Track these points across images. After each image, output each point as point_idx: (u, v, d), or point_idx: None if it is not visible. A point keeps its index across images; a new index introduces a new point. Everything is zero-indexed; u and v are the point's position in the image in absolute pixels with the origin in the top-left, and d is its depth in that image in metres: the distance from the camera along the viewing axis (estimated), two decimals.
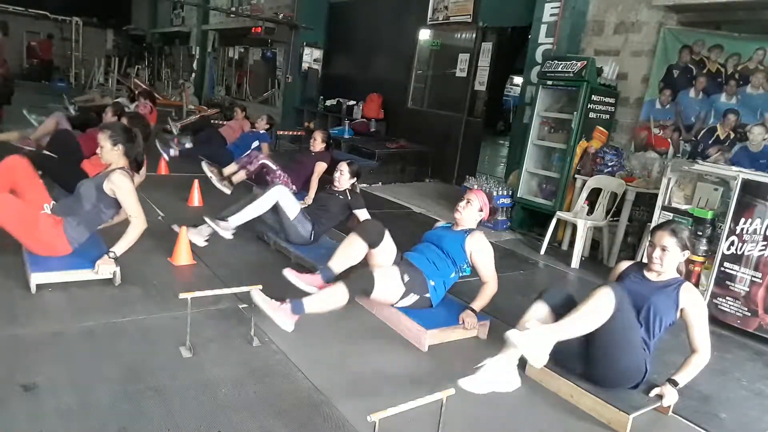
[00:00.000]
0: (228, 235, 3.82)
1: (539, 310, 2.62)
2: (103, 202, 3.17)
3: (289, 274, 3.00)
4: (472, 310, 3.10)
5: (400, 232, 3.22)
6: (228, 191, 5.60)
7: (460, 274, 3.24)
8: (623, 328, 2.39)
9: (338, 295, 2.76)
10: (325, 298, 2.78)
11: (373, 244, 3.04)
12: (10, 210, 2.92)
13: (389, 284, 2.93)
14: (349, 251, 3.06)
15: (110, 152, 3.20)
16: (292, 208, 3.90)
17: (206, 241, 3.86)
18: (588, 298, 2.36)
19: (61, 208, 3.19)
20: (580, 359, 2.51)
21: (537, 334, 2.29)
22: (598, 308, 2.32)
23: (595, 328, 2.34)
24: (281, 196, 3.87)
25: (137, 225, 3.14)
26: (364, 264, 3.12)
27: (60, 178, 4.39)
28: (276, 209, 3.88)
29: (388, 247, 3.11)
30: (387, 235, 3.10)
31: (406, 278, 2.98)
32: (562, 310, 2.53)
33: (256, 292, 2.68)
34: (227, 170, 5.91)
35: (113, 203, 3.19)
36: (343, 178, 4.18)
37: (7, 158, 3.24)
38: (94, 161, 4.51)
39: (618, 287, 2.41)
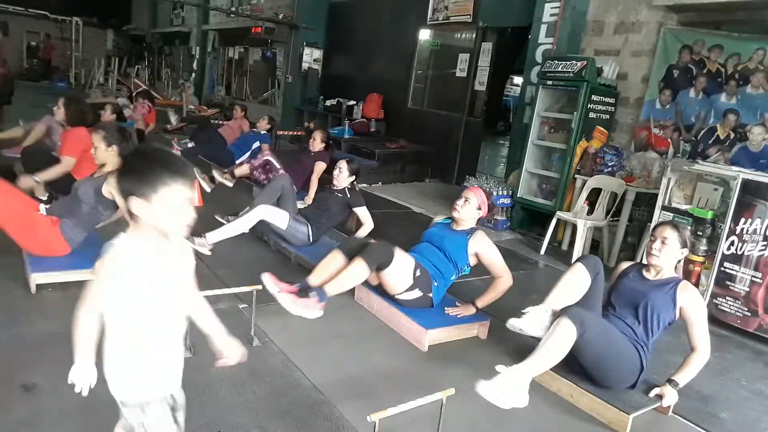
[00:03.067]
0: (205, 250, 3.72)
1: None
2: (101, 204, 3.17)
3: (285, 301, 2.80)
4: (474, 306, 3.13)
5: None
6: (230, 184, 5.61)
7: (460, 275, 3.25)
8: (597, 341, 2.39)
9: (359, 271, 2.81)
10: (347, 278, 2.82)
11: (380, 266, 2.92)
12: (8, 210, 2.92)
13: (403, 269, 2.94)
14: (352, 277, 2.90)
15: (105, 153, 3.20)
16: (280, 220, 3.86)
17: (210, 251, 3.82)
18: (551, 332, 2.37)
19: (58, 209, 3.19)
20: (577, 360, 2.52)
21: (510, 383, 2.22)
22: (561, 338, 2.33)
23: (564, 355, 2.34)
24: (266, 214, 3.82)
25: None
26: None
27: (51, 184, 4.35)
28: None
29: (401, 263, 2.98)
30: (398, 252, 2.95)
31: (418, 273, 2.99)
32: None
33: (283, 297, 2.72)
34: (238, 172, 5.90)
35: (111, 204, 3.19)
36: (342, 176, 4.18)
37: None
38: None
39: (576, 311, 2.40)
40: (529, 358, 2.33)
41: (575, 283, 2.64)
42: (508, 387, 2.20)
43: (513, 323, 2.56)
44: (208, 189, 5.43)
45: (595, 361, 2.43)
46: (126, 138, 3.28)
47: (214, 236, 3.74)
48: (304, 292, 2.87)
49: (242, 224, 3.79)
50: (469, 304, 3.16)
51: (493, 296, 3.13)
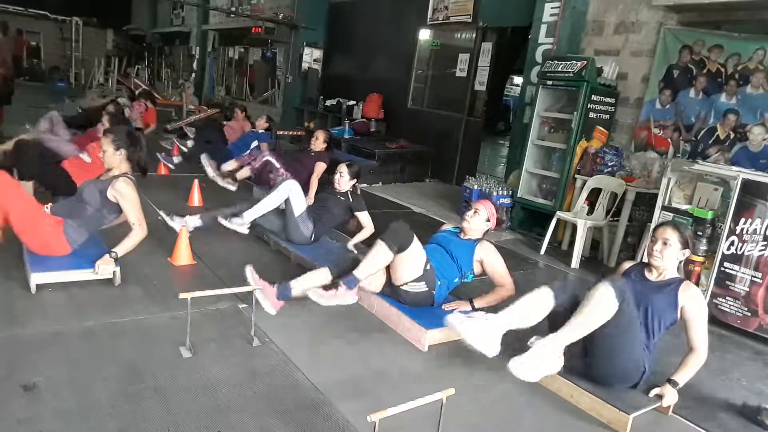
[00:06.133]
0: (244, 230, 3.93)
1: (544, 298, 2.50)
2: (106, 207, 3.18)
3: (315, 296, 2.89)
4: (471, 303, 3.15)
5: None
6: (233, 188, 5.71)
7: (462, 281, 3.27)
8: (624, 326, 2.39)
9: (382, 253, 2.86)
10: (372, 261, 2.88)
11: (401, 248, 2.93)
12: (19, 200, 2.94)
13: (417, 258, 2.99)
14: (376, 259, 2.92)
15: (113, 156, 3.20)
16: (300, 204, 3.95)
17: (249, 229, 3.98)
18: (588, 299, 2.35)
19: (62, 210, 3.19)
20: (580, 356, 2.52)
21: (539, 355, 2.29)
22: (599, 309, 2.32)
23: (600, 324, 2.33)
24: (293, 189, 3.92)
25: (138, 232, 3.14)
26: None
27: (49, 188, 4.35)
28: (284, 204, 3.94)
29: (417, 251, 3.01)
30: (416, 239, 2.97)
31: (428, 267, 3.03)
32: (566, 310, 2.45)
33: (314, 292, 2.84)
34: (225, 167, 5.95)
35: (116, 208, 3.19)
36: (343, 180, 4.18)
37: None
38: (74, 162, 4.48)
39: (618, 282, 2.39)
40: (565, 326, 2.35)
41: (535, 306, 2.49)
42: (539, 361, 2.26)
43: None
44: (233, 188, 5.70)
45: (606, 348, 2.42)
46: (135, 142, 3.27)
47: (250, 215, 3.91)
48: (351, 286, 2.93)
49: (273, 199, 3.93)
50: (465, 301, 3.20)
51: (491, 300, 3.17)
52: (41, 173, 4.32)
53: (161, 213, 3.96)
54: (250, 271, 2.98)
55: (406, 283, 3.04)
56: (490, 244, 3.26)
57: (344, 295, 2.89)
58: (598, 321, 2.32)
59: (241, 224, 3.92)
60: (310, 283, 2.99)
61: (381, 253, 2.88)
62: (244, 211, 3.96)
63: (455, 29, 8.27)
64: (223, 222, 3.88)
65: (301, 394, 2.31)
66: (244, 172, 5.84)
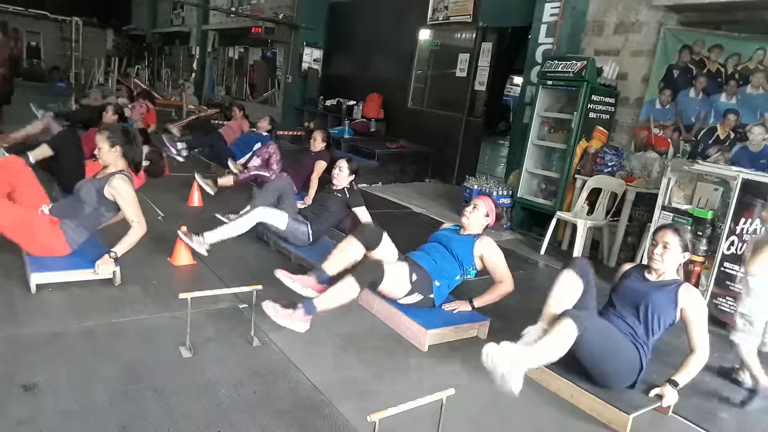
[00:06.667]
0: (202, 250, 3.61)
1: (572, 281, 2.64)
2: (103, 205, 3.17)
3: (282, 275, 3.00)
4: (471, 303, 3.16)
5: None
6: (212, 192, 5.40)
7: (465, 277, 3.26)
8: (598, 341, 2.41)
9: (349, 289, 2.79)
10: (336, 295, 2.79)
11: (369, 246, 3.04)
12: (6, 215, 2.93)
13: (398, 279, 2.95)
14: (345, 253, 3.06)
15: (108, 153, 3.19)
16: (279, 221, 3.85)
17: (207, 251, 3.68)
18: (551, 330, 2.36)
19: (60, 209, 3.18)
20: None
21: (515, 355, 2.25)
22: (561, 338, 2.33)
23: (562, 354, 2.34)
24: (264, 216, 3.79)
25: (137, 229, 3.13)
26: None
27: (60, 176, 4.37)
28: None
29: (387, 250, 3.11)
30: (386, 237, 3.09)
31: (414, 277, 3.00)
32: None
33: (268, 305, 2.69)
34: (222, 181, 5.68)
35: (113, 206, 3.18)
36: (342, 175, 4.18)
37: (3, 159, 3.23)
38: (96, 167, 4.49)
39: (578, 313, 2.41)
40: (528, 349, 2.32)
41: (567, 292, 2.62)
42: (509, 362, 2.22)
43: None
44: (211, 192, 5.41)
45: (595, 360, 2.44)
46: (130, 139, 3.27)
47: (212, 236, 3.66)
48: (319, 280, 2.99)
49: (240, 226, 3.74)
50: (465, 301, 3.20)
51: (491, 298, 3.18)
52: (65, 153, 4.38)
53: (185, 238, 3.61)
54: (269, 307, 2.71)
55: (401, 299, 3.04)
56: (490, 239, 3.26)
57: (298, 319, 2.71)
58: (562, 349, 2.33)
59: (200, 243, 3.58)
60: (337, 299, 2.80)
61: (349, 289, 2.77)
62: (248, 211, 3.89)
63: (455, 29, 8.27)
64: (181, 236, 3.54)
65: (301, 394, 2.31)
66: (228, 181, 5.60)
